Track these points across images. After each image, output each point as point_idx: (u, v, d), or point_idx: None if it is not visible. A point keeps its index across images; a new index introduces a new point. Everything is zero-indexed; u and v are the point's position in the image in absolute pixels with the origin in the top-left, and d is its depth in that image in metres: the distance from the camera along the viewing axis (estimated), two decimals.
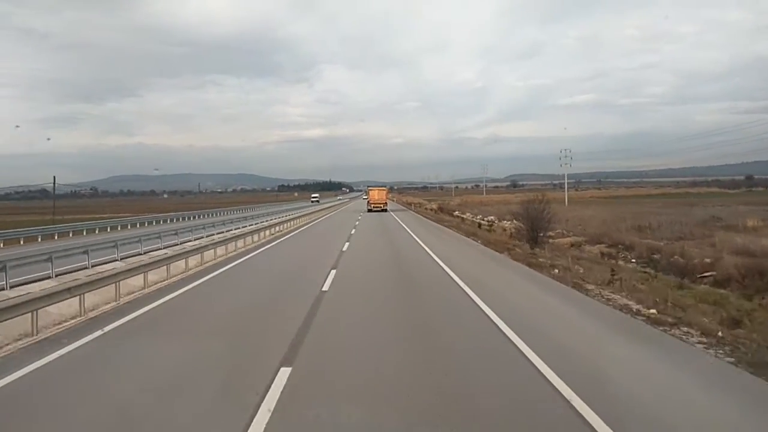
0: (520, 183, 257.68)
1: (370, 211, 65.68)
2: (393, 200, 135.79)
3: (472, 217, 60.16)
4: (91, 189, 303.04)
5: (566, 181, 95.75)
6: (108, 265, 18.86)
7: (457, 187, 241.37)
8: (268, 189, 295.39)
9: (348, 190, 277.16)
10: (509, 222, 49.47)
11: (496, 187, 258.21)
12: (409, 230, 37.80)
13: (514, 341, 8.90)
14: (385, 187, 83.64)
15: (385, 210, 66.57)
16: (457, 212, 67.33)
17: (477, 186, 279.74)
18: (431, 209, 78.05)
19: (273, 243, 30.07)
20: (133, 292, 13.94)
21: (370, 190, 72.90)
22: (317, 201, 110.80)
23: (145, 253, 23.30)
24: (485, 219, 56.19)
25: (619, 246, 33.27)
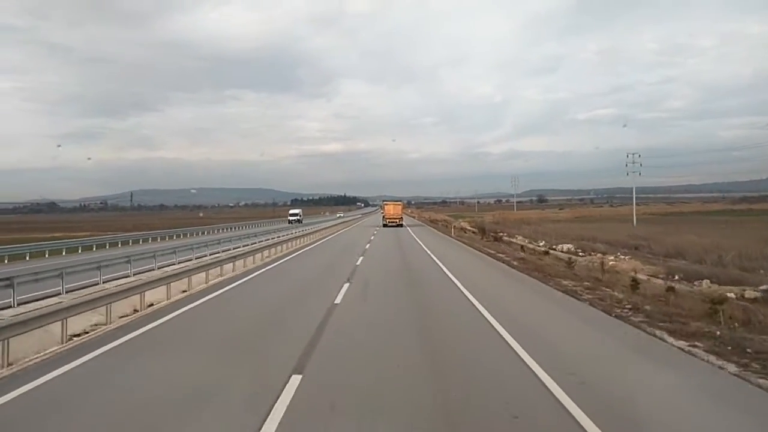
0: (546, 198, 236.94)
1: (385, 226, 61.51)
2: (413, 216, 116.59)
3: (530, 243, 41.29)
4: (101, 203, 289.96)
5: (634, 195, 75.41)
6: None
7: (478, 202, 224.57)
8: (280, 204, 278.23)
9: (363, 205, 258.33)
10: (611, 255, 30.42)
11: (520, 201, 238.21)
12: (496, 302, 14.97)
13: None
14: (401, 201, 78.76)
15: (401, 225, 62.62)
16: (504, 235, 48.07)
17: (499, 201, 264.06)
18: (463, 229, 58.80)
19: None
20: None
21: (386, 204, 69.11)
22: (298, 220, 77.40)
23: None
24: (555, 247, 37.20)
25: None
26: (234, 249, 30.70)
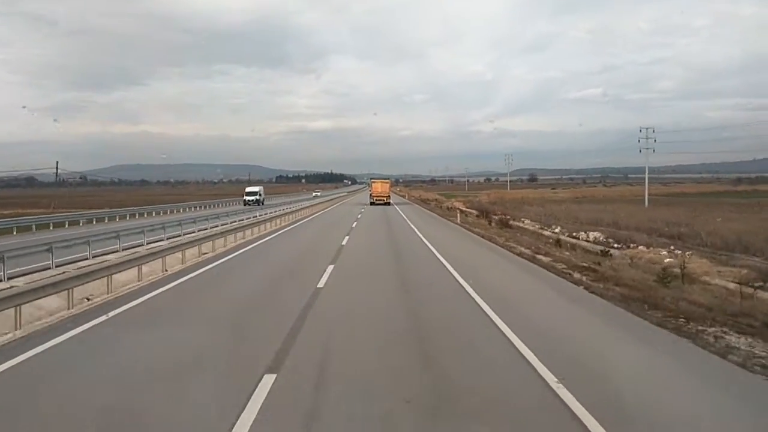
0: (536, 177, 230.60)
1: (372, 204, 59.11)
2: (402, 195, 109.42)
3: (543, 229, 34.36)
4: (80, 178, 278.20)
5: (647, 175, 68.47)
6: None
7: (468, 180, 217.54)
8: (265, 180, 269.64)
9: (350, 183, 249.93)
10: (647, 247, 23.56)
11: (511, 180, 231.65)
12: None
13: None
14: (389, 179, 76.71)
15: (389, 203, 59.92)
16: (509, 219, 40.84)
17: (489, 180, 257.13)
18: (461, 211, 51.52)
19: None
20: None
21: (373, 182, 67.78)
22: (257, 201, 61.00)
23: None
24: (576, 235, 30.23)
25: None
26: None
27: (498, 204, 67.71)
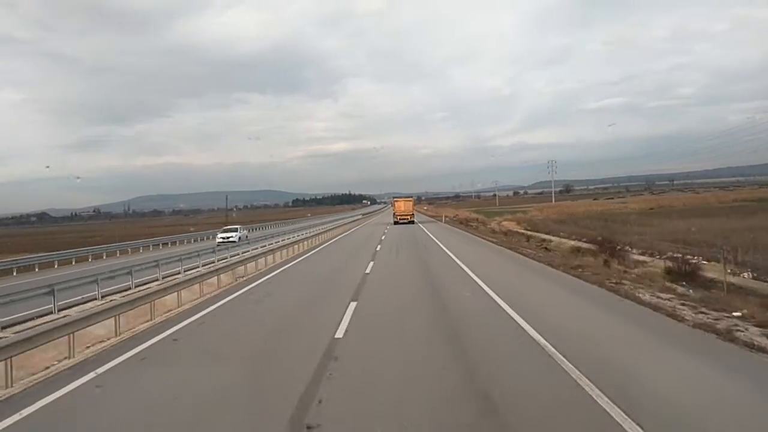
0: (572, 187, 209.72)
1: (396, 223, 54.87)
2: (429, 215, 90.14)
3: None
4: (93, 211, 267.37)
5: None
6: None
7: (495, 195, 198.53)
8: (281, 205, 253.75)
9: (369, 203, 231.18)
10: None
11: (540, 193, 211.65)
12: None
13: None
14: (411, 197, 71.51)
15: (413, 222, 55.68)
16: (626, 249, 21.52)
17: (517, 193, 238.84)
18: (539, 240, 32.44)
19: None
20: None
21: (396, 201, 63.42)
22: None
23: None
24: None
25: None
26: None
27: (568, 223, 48.48)
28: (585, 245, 30.54)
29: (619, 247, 21.94)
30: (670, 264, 16.64)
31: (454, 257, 19.73)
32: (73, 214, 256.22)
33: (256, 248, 26.44)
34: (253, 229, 57.61)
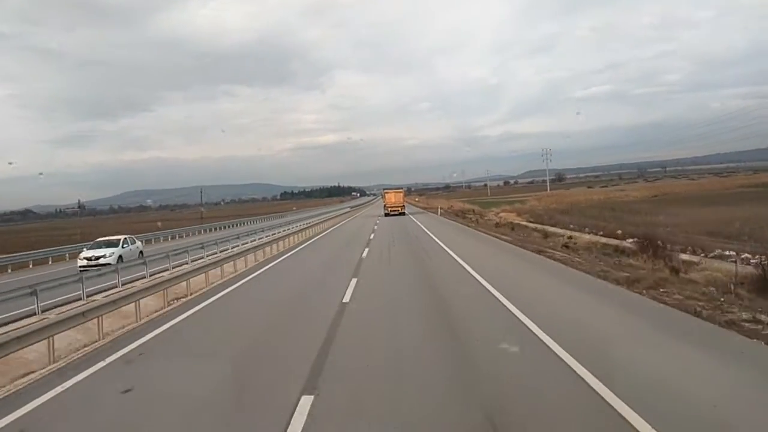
0: (564, 176, 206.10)
1: (387, 215, 54.66)
2: (420, 206, 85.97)
3: None
4: (77, 207, 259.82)
5: None
6: None
7: (485, 185, 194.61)
8: (269, 198, 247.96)
9: (358, 195, 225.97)
10: None
11: (531, 182, 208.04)
12: None
13: None
14: (401, 189, 69.63)
15: (403, 213, 55.41)
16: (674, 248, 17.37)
17: (507, 183, 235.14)
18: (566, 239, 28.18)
19: None
20: None
21: (386, 192, 63.62)
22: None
23: None
24: None
25: None
26: None
27: (573, 213, 44.40)
28: (604, 239, 26.46)
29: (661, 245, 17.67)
30: (737, 267, 12.39)
31: (467, 266, 14.61)
32: (58, 210, 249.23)
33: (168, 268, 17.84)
34: (215, 229, 52.81)
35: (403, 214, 54.83)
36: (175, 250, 20.33)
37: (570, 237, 24.42)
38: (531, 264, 15.74)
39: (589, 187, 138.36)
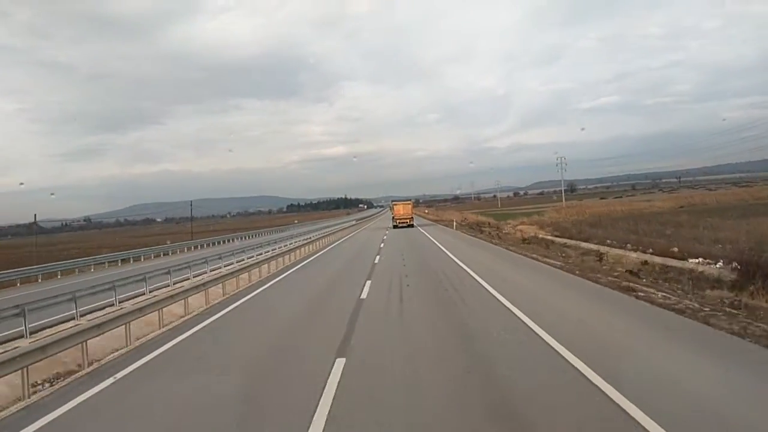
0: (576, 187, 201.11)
1: (395, 227, 53.74)
2: (431, 218, 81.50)
3: None
4: (84, 220, 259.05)
5: None
6: None
7: (495, 196, 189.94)
8: (275, 210, 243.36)
9: (365, 207, 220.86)
10: None
11: (541, 193, 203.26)
12: None
13: None
14: (410, 200, 67.53)
15: (412, 225, 54.42)
16: None
17: (517, 194, 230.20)
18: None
19: None
20: None
21: (395, 204, 62.14)
22: None
23: None
24: None
25: None
26: None
27: (604, 226, 39.82)
28: (658, 258, 22.00)
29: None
30: None
31: (534, 325, 8.73)
32: (64, 223, 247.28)
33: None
34: (202, 246, 48.22)
35: (412, 225, 53.56)
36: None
37: (604, 254, 19.94)
38: (636, 317, 9.44)
39: (602, 198, 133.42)
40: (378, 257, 24.43)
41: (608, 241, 29.89)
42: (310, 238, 38.57)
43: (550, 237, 36.32)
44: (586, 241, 31.68)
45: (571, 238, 34.08)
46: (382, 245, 32.27)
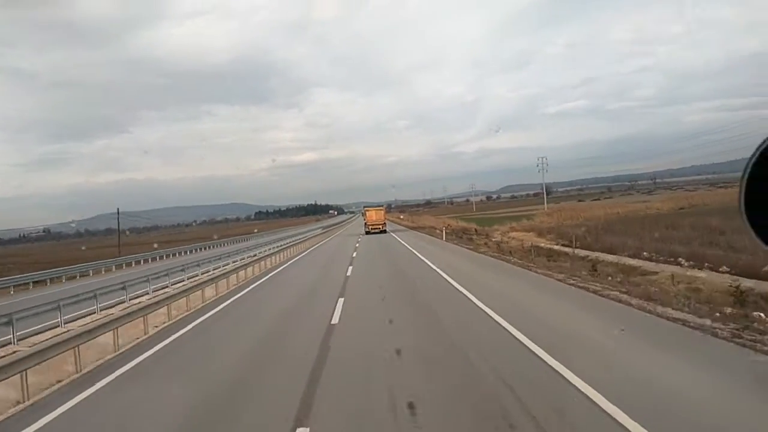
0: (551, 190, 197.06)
1: (368, 233, 52.11)
2: (406, 224, 74.36)
3: None
4: (43, 231, 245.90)
5: None
6: None
7: (468, 200, 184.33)
8: (243, 218, 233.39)
9: (336, 213, 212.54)
10: None
11: (513, 197, 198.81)
12: None
13: None
14: (382, 206, 65.40)
15: (384, 231, 52.64)
16: None
17: (489, 198, 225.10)
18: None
19: None
20: None
21: (367, 210, 59.80)
22: None
23: None
24: None
25: None
26: None
27: (617, 232, 33.14)
28: (749, 281, 15.09)
29: None
30: None
31: None
32: (21, 235, 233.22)
33: None
34: (129, 264, 39.91)
35: (385, 231, 52.50)
36: None
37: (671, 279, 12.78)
38: None
39: (580, 201, 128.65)
40: (347, 280, 16.80)
41: (644, 253, 22.99)
42: (266, 252, 30.70)
43: (557, 247, 29.38)
44: (611, 252, 24.76)
45: (587, 248, 27.15)
46: (353, 258, 24.84)
